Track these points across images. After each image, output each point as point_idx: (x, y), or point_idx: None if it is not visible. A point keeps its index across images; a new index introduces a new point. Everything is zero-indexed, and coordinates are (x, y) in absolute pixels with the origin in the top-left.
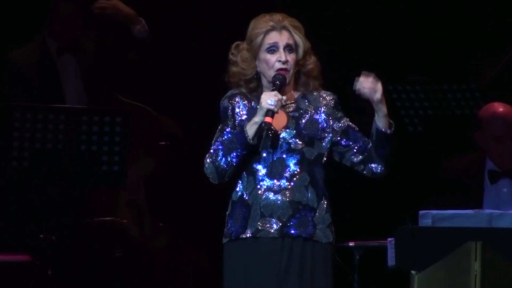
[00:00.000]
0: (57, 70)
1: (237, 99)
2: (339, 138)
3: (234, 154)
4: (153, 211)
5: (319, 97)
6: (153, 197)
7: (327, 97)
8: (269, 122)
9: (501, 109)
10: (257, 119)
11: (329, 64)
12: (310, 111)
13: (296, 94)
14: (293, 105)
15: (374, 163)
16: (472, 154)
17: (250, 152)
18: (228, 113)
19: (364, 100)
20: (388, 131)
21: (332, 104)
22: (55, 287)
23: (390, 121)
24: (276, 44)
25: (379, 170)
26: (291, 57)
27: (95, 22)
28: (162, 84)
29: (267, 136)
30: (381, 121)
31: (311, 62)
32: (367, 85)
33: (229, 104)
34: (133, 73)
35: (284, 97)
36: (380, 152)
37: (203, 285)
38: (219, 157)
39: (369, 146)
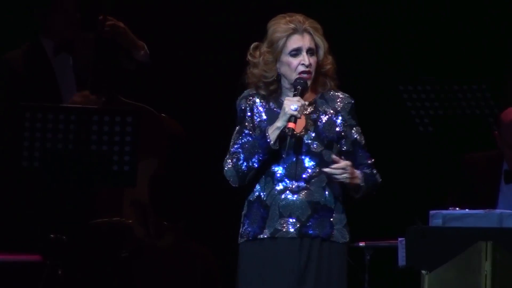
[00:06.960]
0: (53, 70)
1: (254, 99)
2: (344, 151)
3: (256, 158)
4: (157, 210)
5: (336, 98)
6: (157, 196)
7: (345, 100)
8: (292, 128)
9: None
10: (279, 124)
11: (339, 64)
12: (328, 112)
13: (314, 95)
14: (311, 106)
15: None
16: (491, 151)
17: (271, 156)
18: (246, 114)
19: None
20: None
21: (348, 109)
22: (65, 287)
23: (357, 183)
24: (300, 48)
25: None
26: (313, 60)
27: (92, 24)
28: (163, 84)
29: (290, 141)
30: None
31: (329, 63)
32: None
33: (247, 105)
34: (132, 77)
35: (306, 102)
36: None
37: (210, 285)
38: (240, 161)
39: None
